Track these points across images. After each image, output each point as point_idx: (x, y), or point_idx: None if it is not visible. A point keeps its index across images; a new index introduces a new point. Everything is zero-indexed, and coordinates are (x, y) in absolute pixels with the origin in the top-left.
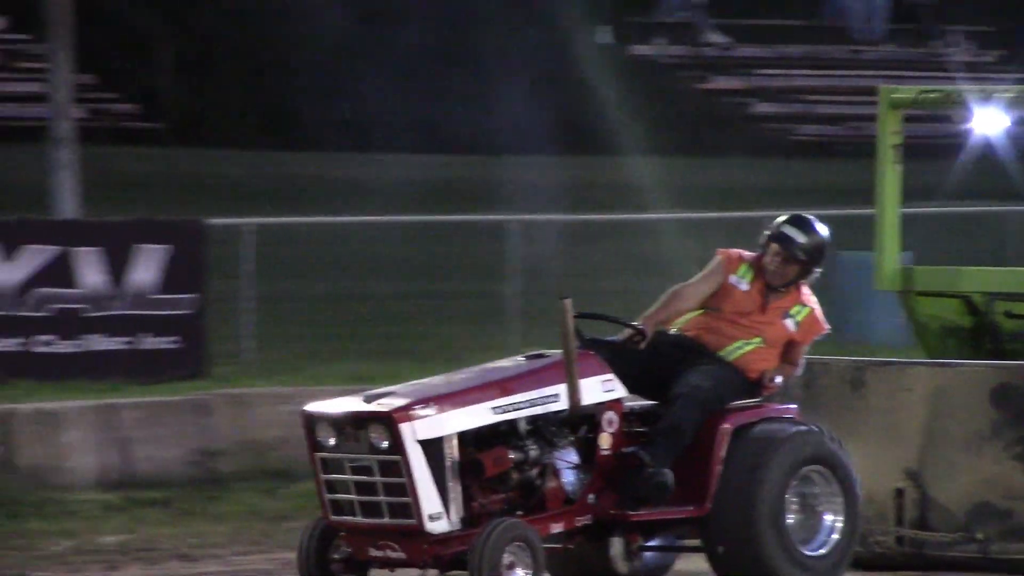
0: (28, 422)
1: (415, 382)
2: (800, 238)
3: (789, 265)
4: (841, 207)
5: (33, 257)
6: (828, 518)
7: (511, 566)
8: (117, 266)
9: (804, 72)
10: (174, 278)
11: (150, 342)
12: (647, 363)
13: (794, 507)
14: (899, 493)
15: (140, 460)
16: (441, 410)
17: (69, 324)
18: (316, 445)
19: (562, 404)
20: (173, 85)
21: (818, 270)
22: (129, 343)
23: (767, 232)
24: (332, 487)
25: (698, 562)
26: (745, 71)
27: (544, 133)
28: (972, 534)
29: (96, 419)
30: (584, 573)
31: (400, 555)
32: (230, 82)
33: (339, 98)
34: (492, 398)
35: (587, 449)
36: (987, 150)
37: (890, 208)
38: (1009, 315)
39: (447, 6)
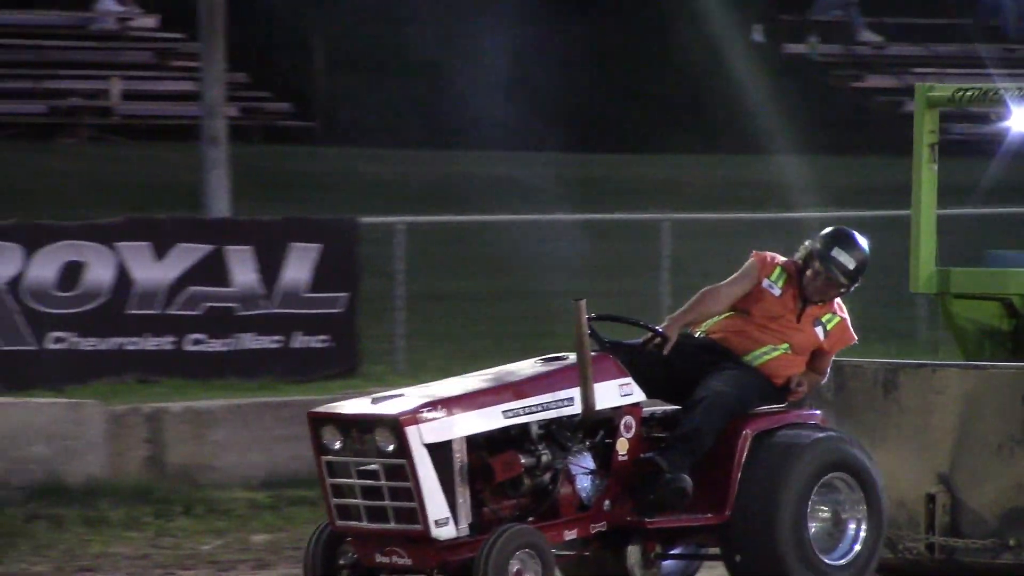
0: (178, 421)
1: (426, 384)
2: (849, 264)
3: (832, 288)
4: (998, 206)
5: (185, 256)
6: (852, 527)
7: (519, 573)
8: (269, 265)
9: (957, 71)
10: (326, 277)
11: (301, 341)
12: (670, 366)
13: (818, 515)
14: (931, 498)
15: (289, 459)
16: (449, 413)
17: (220, 323)
18: (322, 448)
19: (576, 408)
20: (326, 84)
21: (855, 287)
22: (280, 342)
23: (812, 247)
24: (338, 491)
25: (720, 571)
26: (898, 70)
27: (697, 131)
28: (1005, 540)
29: (246, 418)
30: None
31: (407, 561)
32: (384, 80)
33: (492, 97)
34: (503, 401)
35: (604, 454)
36: None
37: (926, 209)
38: None
39: (605, 4)
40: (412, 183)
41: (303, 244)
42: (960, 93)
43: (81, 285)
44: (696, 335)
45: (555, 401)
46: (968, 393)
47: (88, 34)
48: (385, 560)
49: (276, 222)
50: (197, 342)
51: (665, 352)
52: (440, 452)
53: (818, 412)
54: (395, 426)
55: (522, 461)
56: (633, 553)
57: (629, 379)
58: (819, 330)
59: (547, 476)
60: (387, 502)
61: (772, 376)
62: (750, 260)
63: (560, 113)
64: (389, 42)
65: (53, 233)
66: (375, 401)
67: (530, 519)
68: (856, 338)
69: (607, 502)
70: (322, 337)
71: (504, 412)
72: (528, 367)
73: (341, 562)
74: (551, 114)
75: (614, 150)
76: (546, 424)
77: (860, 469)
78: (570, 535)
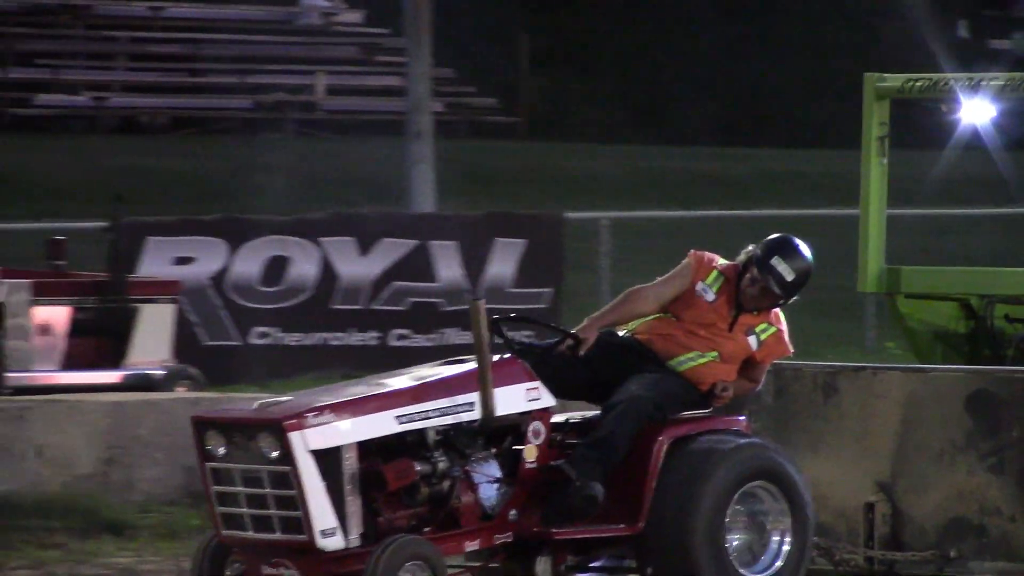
0: None
1: (321, 387)
2: (787, 275)
3: (767, 296)
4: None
5: (390, 251)
6: (776, 538)
7: None
8: (474, 260)
9: None
10: (531, 272)
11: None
12: (592, 368)
13: (739, 526)
14: (870, 508)
15: None
16: (339, 418)
17: (425, 318)
18: (205, 454)
19: (477, 414)
20: (532, 79)
21: (793, 299)
22: None
23: (753, 252)
24: (223, 499)
25: None
26: None
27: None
28: (945, 552)
29: None
30: None
31: (293, 573)
32: (589, 75)
33: (707, 92)
34: (398, 406)
35: (511, 462)
36: (975, 140)
37: (875, 204)
38: (1010, 319)
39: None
40: (618, 178)
41: (508, 239)
42: (910, 83)
43: (286, 280)
44: (621, 335)
45: (454, 406)
46: (909, 397)
47: (293, 29)
48: (272, 572)
49: (481, 217)
50: (401, 337)
51: (581, 353)
52: (328, 459)
53: (742, 418)
54: (279, 431)
55: (417, 468)
56: (541, 564)
57: (537, 383)
58: (752, 340)
59: (445, 484)
60: (272, 511)
61: (697, 382)
62: (686, 260)
63: (766, 109)
64: (594, 37)
65: (258, 228)
66: (262, 405)
67: (427, 529)
68: (792, 350)
69: (513, 511)
70: (526, 333)
71: (398, 417)
72: (430, 371)
73: (227, 573)
74: (757, 110)
75: (812, 145)
76: (445, 430)
77: (783, 478)
78: (472, 546)
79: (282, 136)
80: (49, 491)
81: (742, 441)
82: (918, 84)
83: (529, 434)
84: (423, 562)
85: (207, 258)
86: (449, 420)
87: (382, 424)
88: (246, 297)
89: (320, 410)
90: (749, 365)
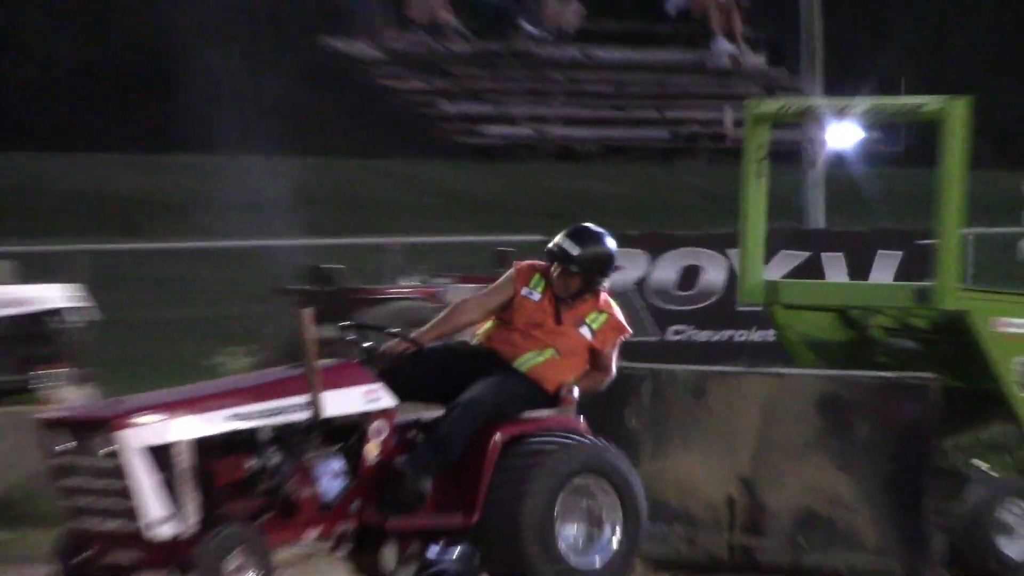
0: None
1: (167, 389)
2: (574, 251)
3: (569, 278)
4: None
5: (787, 261)
6: (608, 528)
7: (237, 571)
8: (858, 269)
9: None
10: (906, 280)
11: None
12: (445, 373)
13: (575, 517)
14: (731, 500)
15: None
16: (171, 416)
17: None
18: (48, 451)
19: (307, 414)
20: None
21: (604, 279)
22: None
23: (548, 245)
24: (67, 492)
25: None
26: None
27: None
28: (797, 541)
29: None
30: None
31: (131, 560)
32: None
33: None
34: (231, 406)
35: (355, 457)
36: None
37: (754, 221)
38: (886, 329)
39: None
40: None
41: (888, 252)
42: (784, 109)
43: (697, 286)
44: (472, 342)
45: (288, 407)
46: (768, 399)
47: (705, 70)
48: (111, 560)
49: (865, 232)
50: None
51: (419, 352)
52: (161, 454)
53: (580, 418)
54: (109, 428)
55: (247, 464)
56: (387, 552)
57: (376, 385)
58: (585, 330)
59: (278, 478)
60: (109, 502)
61: (542, 381)
62: (509, 271)
63: None
64: (968, 79)
65: (674, 241)
66: (104, 404)
67: (265, 518)
68: (631, 331)
69: (355, 503)
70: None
71: (231, 416)
72: (269, 374)
73: (73, 562)
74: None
75: None
76: (279, 428)
77: (613, 473)
78: (312, 534)
79: (695, 163)
80: None
81: (573, 439)
82: (792, 109)
83: (371, 432)
84: (250, 548)
85: (632, 267)
86: (280, 419)
87: (215, 423)
88: (664, 300)
89: (154, 409)
90: (595, 355)
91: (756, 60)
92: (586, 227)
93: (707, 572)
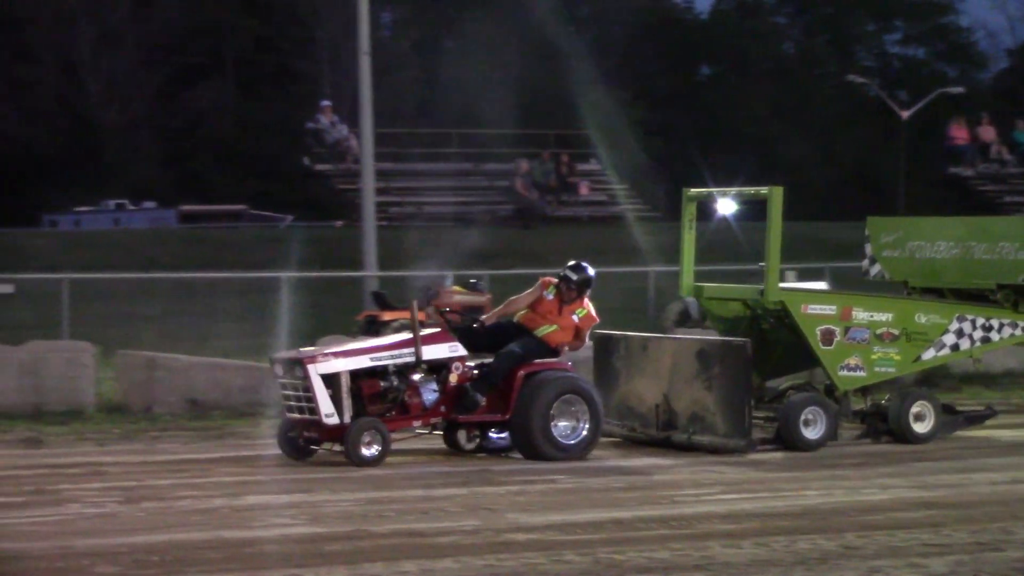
0: None
1: (342, 343)
2: (573, 277)
3: (569, 291)
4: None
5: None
6: (583, 424)
7: (368, 443)
8: None
9: None
10: None
11: None
12: (496, 337)
13: (564, 417)
14: (657, 407)
15: None
16: (336, 358)
17: None
18: (274, 374)
19: (412, 358)
20: None
21: (588, 291)
22: None
23: (562, 271)
24: (284, 398)
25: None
26: None
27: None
28: (687, 430)
29: None
30: (453, 447)
31: (314, 435)
32: None
33: None
34: (370, 352)
35: (444, 382)
36: (726, 222)
37: (687, 252)
38: (765, 311)
39: None
40: None
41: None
42: (697, 193)
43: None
44: (514, 320)
45: (400, 353)
46: (675, 351)
47: None
48: (306, 436)
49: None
50: None
51: (483, 326)
52: (332, 378)
53: (569, 364)
54: (301, 363)
55: (381, 384)
56: (460, 434)
57: (456, 343)
58: (574, 317)
59: (395, 392)
60: (303, 404)
61: (550, 342)
62: (539, 282)
63: None
64: None
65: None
66: (296, 350)
67: (391, 414)
68: (599, 319)
69: (443, 407)
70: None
71: (371, 358)
72: (393, 336)
73: (287, 436)
74: None
75: None
76: (398, 365)
77: (584, 393)
78: (417, 424)
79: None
80: None
81: (562, 375)
82: (702, 193)
83: (452, 368)
84: (376, 430)
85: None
86: (398, 360)
87: (360, 362)
88: None
89: (328, 355)
90: (577, 332)
91: None
92: (582, 264)
93: (647, 446)
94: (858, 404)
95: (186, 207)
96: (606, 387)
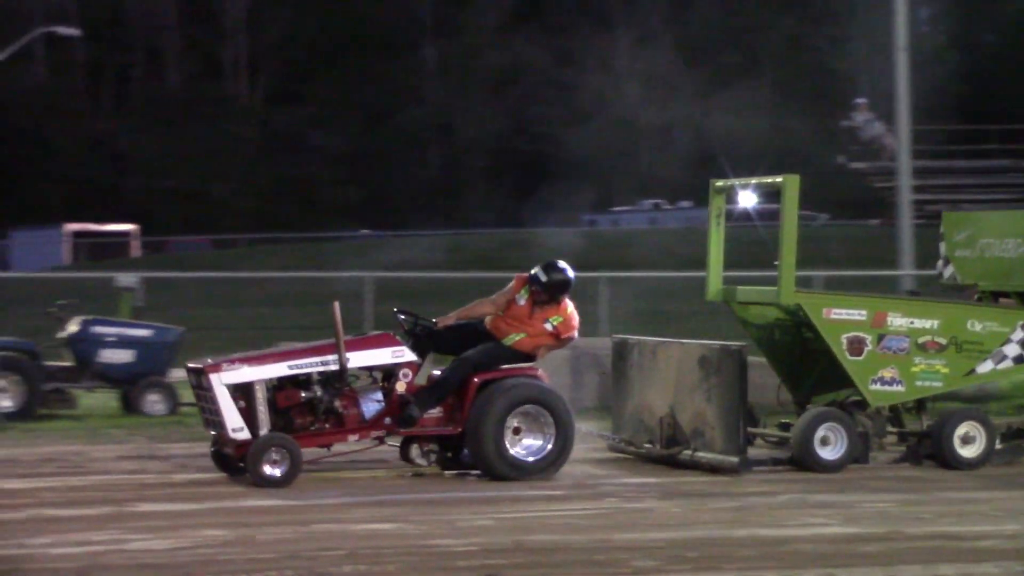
0: None
1: (254, 351)
2: (542, 278)
3: (539, 293)
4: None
5: None
6: (548, 438)
7: (274, 462)
8: None
9: None
10: None
11: None
12: (459, 342)
13: (529, 430)
14: (662, 420)
15: None
16: (248, 365)
17: None
18: (191, 383)
19: (335, 365)
20: None
21: (564, 295)
22: None
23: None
24: (199, 408)
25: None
26: None
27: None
28: (690, 446)
29: None
30: (409, 463)
31: (229, 450)
32: None
33: None
34: (288, 359)
35: (389, 391)
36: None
37: (714, 251)
38: (802, 312)
39: None
40: None
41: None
42: (725, 185)
43: None
44: (479, 326)
45: (327, 360)
46: (680, 358)
47: None
48: (223, 449)
49: None
50: None
51: (439, 328)
52: (243, 389)
53: (539, 370)
54: (204, 373)
55: (301, 395)
56: (413, 448)
57: (402, 347)
58: (548, 325)
59: (323, 404)
60: (211, 417)
61: (521, 349)
62: (511, 283)
63: None
64: None
65: None
66: (210, 359)
67: (319, 426)
68: (576, 326)
69: (387, 419)
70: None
71: (288, 366)
72: (316, 343)
73: (213, 448)
74: None
75: None
76: (321, 373)
77: (548, 403)
78: (353, 438)
79: None
80: None
81: (523, 381)
82: (729, 185)
83: (400, 375)
84: (284, 447)
85: None
86: (321, 368)
87: (277, 370)
88: None
89: (232, 362)
90: (556, 338)
91: None
92: (556, 263)
93: (649, 462)
94: (912, 421)
95: None
96: (621, 398)
